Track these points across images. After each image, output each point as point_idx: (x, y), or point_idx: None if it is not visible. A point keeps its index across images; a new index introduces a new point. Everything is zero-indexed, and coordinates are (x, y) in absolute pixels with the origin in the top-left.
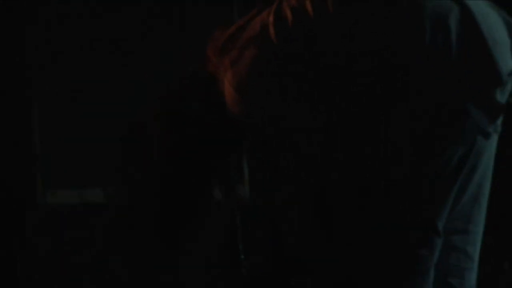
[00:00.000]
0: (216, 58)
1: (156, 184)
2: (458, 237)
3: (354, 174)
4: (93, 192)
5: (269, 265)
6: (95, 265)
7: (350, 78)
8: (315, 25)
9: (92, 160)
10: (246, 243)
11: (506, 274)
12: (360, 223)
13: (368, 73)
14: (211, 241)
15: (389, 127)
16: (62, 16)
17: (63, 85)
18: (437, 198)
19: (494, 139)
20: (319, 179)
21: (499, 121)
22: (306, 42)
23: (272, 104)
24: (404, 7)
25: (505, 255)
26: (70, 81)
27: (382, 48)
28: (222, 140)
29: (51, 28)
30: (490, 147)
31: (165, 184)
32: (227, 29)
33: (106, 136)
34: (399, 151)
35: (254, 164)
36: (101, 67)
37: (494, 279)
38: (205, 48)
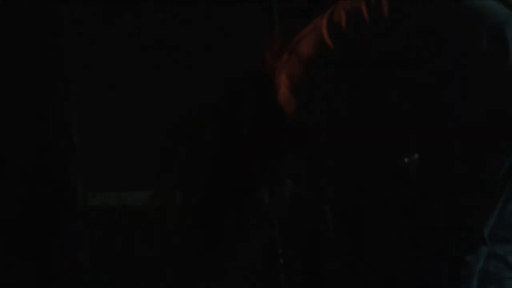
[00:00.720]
0: (271, 62)
1: (207, 183)
2: (498, 245)
3: (398, 178)
4: (133, 195)
5: (304, 275)
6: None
7: (400, 83)
8: (371, 29)
9: (133, 163)
10: (285, 248)
11: None
12: (406, 229)
13: (419, 79)
14: (252, 245)
15: (436, 135)
16: (99, 15)
17: (104, 87)
18: (485, 206)
19: None
20: (361, 182)
21: None
22: (360, 45)
23: (323, 103)
24: (460, 13)
25: None
26: (111, 83)
27: (436, 54)
28: (273, 141)
29: (87, 27)
30: None
31: (216, 183)
32: (281, 35)
33: (147, 139)
34: (448, 160)
35: (298, 164)
36: (144, 69)
37: None
38: (251, 49)
